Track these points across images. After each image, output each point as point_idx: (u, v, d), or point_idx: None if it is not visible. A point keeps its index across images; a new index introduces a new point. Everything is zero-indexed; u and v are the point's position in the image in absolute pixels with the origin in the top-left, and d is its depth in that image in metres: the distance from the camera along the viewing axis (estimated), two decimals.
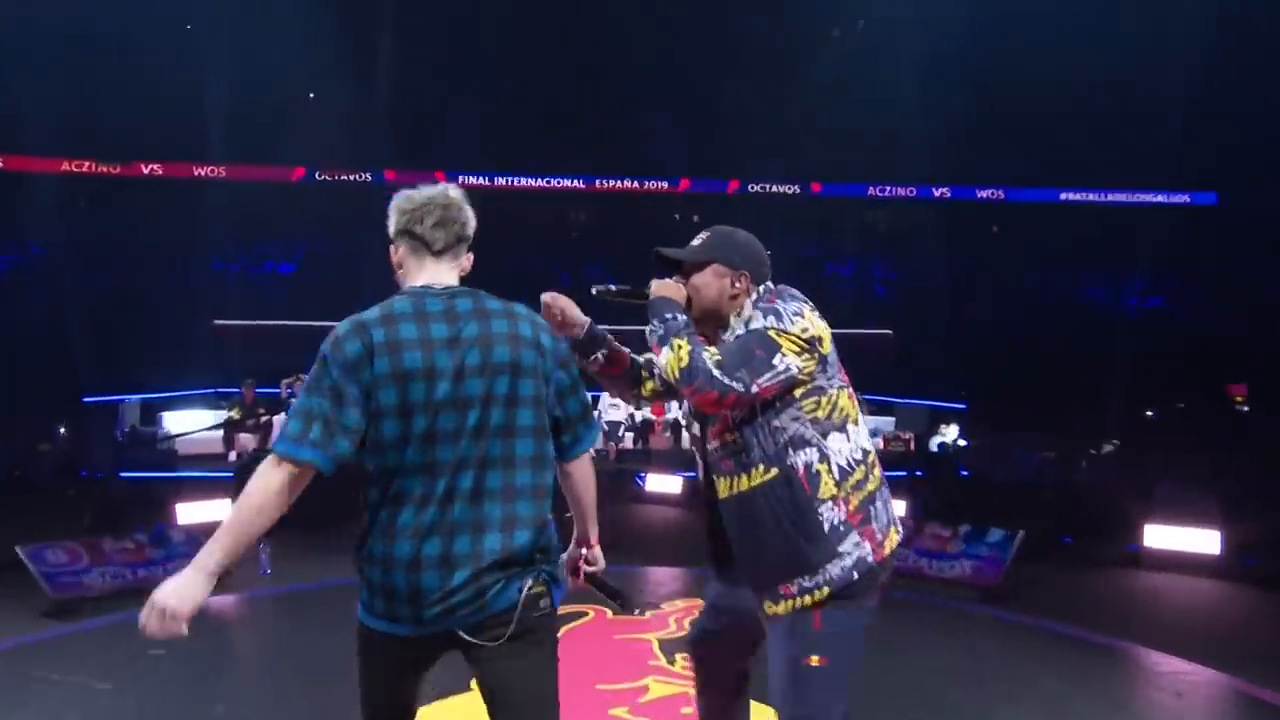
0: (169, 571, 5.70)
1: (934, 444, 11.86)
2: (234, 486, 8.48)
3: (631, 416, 13.02)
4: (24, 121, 16.91)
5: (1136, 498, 7.97)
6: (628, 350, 2.75)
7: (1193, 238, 18.23)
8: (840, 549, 2.40)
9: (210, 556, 2.04)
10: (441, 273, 2.29)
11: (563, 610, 5.04)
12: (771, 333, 2.37)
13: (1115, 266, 19.02)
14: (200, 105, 17.92)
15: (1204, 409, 13.23)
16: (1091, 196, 19.32)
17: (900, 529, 2.62)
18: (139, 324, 15.49)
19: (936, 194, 19.62)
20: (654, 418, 13.20)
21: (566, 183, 19.78)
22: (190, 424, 12.68)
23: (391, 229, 2.32)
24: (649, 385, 2.78)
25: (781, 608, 2.43)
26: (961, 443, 12.14)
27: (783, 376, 2.37)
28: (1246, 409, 13.24)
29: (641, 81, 19.14)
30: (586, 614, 5.50)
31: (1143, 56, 17.05)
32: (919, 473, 10.35)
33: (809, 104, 18.94)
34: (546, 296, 2.60)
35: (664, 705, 4.21)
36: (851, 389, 2.61)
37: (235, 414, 11.71)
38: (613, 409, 12.60)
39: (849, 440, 2.51)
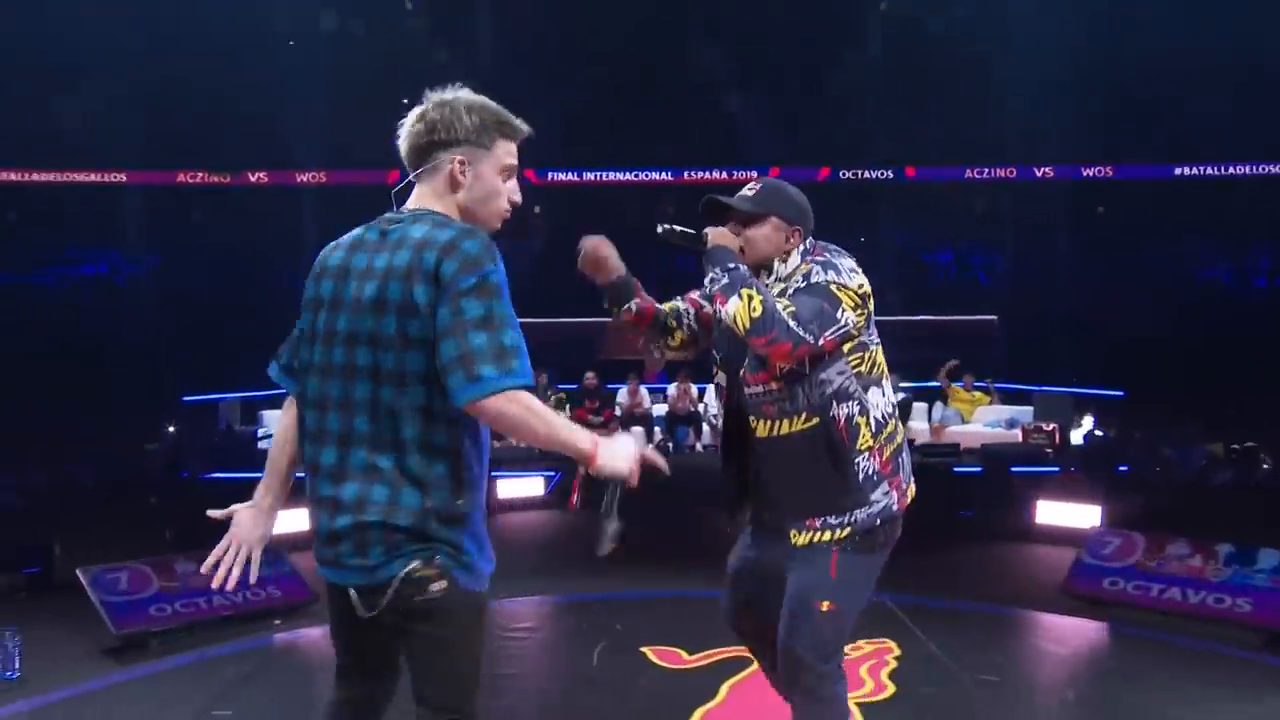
0: (257, 599, 4.57)
1: (1079, 436, 10.76)
2: None
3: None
4: (146, 137, 17.03)
5: None
6: (654, 301, 2.71)
7: None
8: (872, 497, 2.54)
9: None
10: (419, 195, 2.08)
11: (710, 655, 4.56)
12: (833, 287, 2.42)
13: (1240, 244, 17.78)
14: (302, 115, 17.79)
15: None
16: (1210, 170, 17.65)
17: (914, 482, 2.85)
18: (246, 328, 15.30)
19: (1041, 173, 18.20)
20: None
21: (655, 175, 18.96)
22: None
23: None
24: (678, 336, 2.76)
25: (803, 538, 2.54)
26: (1098, 433, 11.08)
27: (842, 330, 2.44)
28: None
29: (730, 68, 18.46)
30: (749, 661, 4.33)
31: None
32: (1073, 469, 9.16)
33: (900, 88, 18.18)
34: (588, 241, 2.55)
35: None
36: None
37: None
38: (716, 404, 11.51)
39: (884, 395, 2.67)
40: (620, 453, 1.95)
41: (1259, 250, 17.70)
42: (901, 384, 11.85)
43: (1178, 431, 10.19)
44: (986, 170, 18.29)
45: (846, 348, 2.49)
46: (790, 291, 2.46)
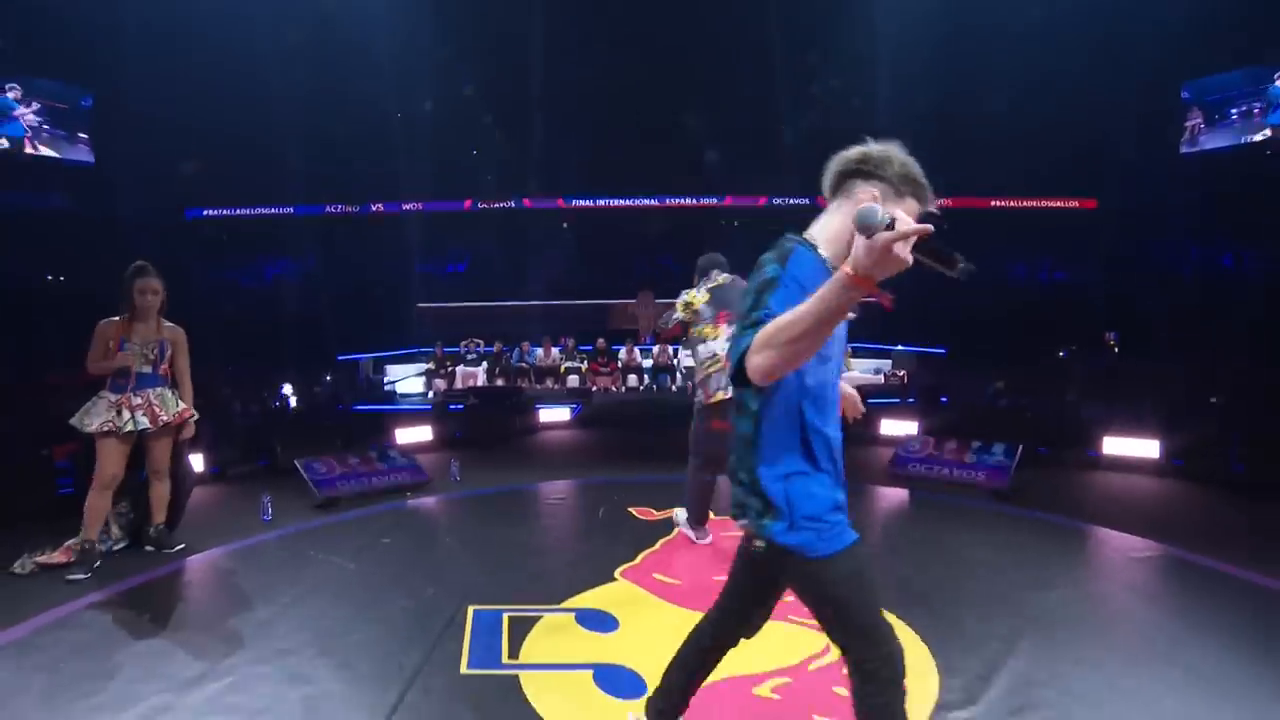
0: (394, 480, 5.14)
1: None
2: (431, 418, 8.05)
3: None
4: (313, 178, 17.01)
5: (1091, 417, 6.99)
6: None
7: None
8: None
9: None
10: (822, 217, 1.68)
11: (674, 512, 4.69)
12: None
13: (1031, 253, 17.67)
14: (404, 156, 17.81)
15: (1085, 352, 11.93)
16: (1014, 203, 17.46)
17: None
18: (374, 309, 15.65)
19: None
20: None
21: (646, 201, 19.01)
22: (403, 374, 12.50)
23: None
24: None
25: None
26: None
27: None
28: (1117, 350, 12.00)
29: (701, 120, 18.22)
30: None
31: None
32: (911, 400, 9.44)
33: (824, 137, 17.56)
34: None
35: None
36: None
37: (431, 365, 11.41)
38: (688, 357, 11.72)
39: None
40: (864, 254, 1.26)
41: (1044, 257, 17.69)
42: None
43: (979, 374, 10.18)
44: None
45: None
46: None
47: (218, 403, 7.34)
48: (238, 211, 17.48)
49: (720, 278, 3.95)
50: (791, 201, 18.30)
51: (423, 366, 11.88)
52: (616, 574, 3.75)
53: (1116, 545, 4.29)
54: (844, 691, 2.56)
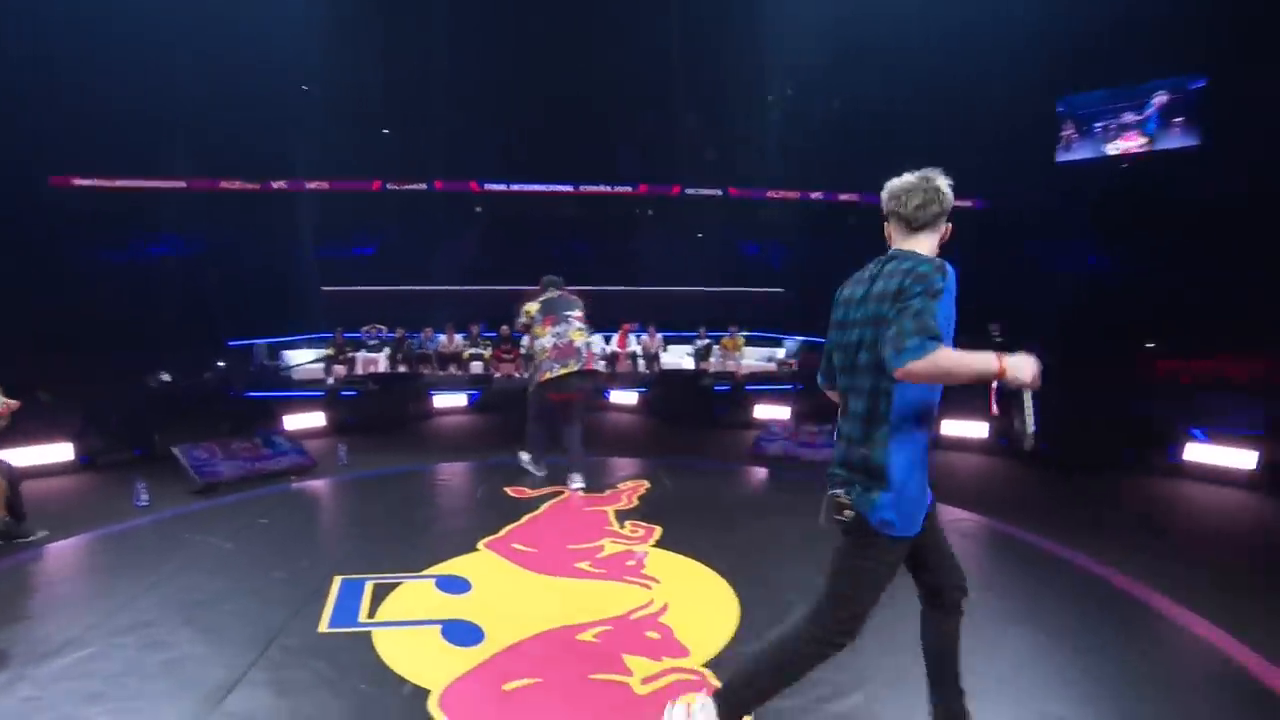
0: (279, 465, 5.37)
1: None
2: (326, 403, 8.16)
3: (604, 348, 12.63)
4: (202, 151, 16.32)
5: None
6: None
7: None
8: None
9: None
10: (913, 242, 2.04)
11: (543, 491, 4.98)
12: None
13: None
14: (304, 133, 17.23)
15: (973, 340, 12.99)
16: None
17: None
18: (274, 292, 15.07)
19: (813, 196, 18.74)
20: (619, 350, 12.77)
21: (560, 187, 18.98)
22: (301, 360, 12.35)
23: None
24: None
25: None
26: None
27: None
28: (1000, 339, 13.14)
29: (615, 112, 18.56)
30: (562, 492, 5.28)
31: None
32: (798, 386, 10.09)
33: (734, 128, 18.47)
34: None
35: (614, 559, 4.00)
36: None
37: (331, 351, 11.37)
38: (601, 343, 12.06)
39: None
40: (1024, 366, 1.78)
41: (940, 253, 18.84)
42: (709, 333, 12.91)
43: None
44: (781, 192, 18.75)
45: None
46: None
47: (88, 390, 7.16)
48: (118, 183, 16.29)
49: (553, 292, 5.42)
50: (704, 192, 18.85)
51: (323, 352, 11.80)
52: (479, 545, 4.15)
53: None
54: (656, 635, 3.08)
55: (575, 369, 5.06)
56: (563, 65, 17.47)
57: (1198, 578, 3.81)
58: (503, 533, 4.37)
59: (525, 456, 5.71)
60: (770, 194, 18.88)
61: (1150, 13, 13.35)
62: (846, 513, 1.94)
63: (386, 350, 11.86)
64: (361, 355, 11.56)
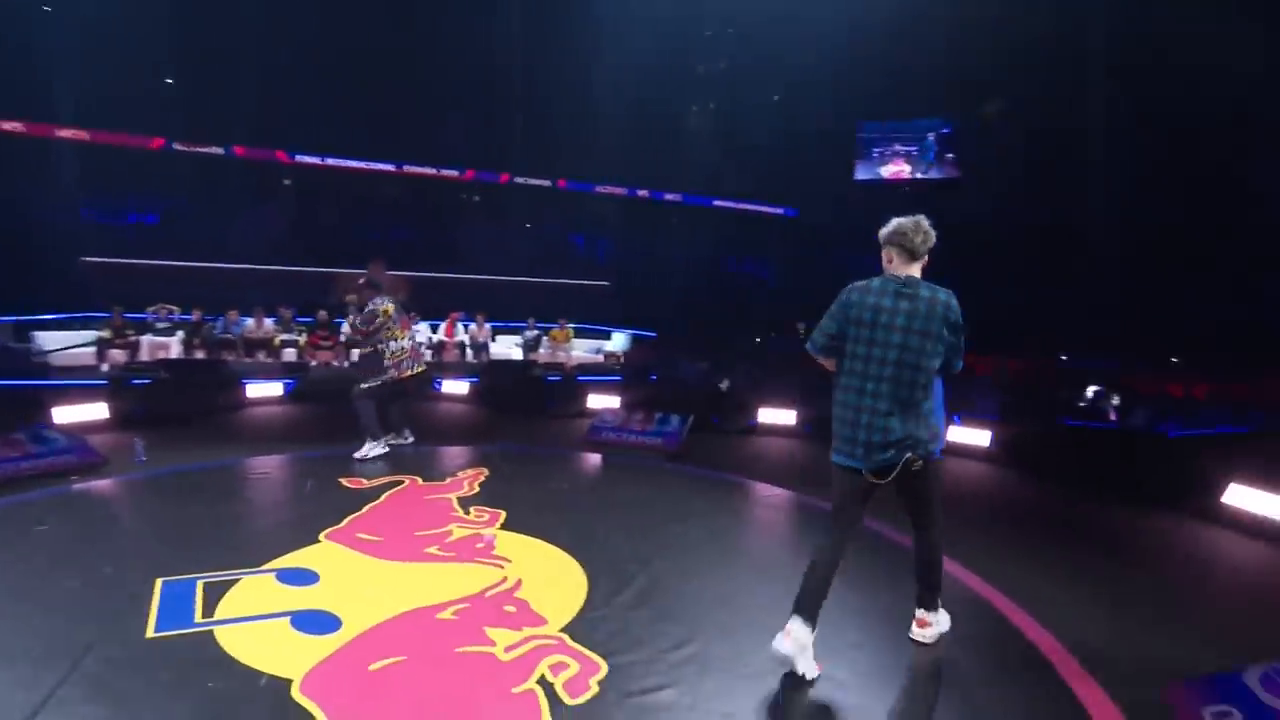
0: (54, 464, 4.86)
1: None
2: (108, 394, 7.29)
3: (429, 338, 12.36)
4: None
5: (757, 394, 8.65)
6: None
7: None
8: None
9: None
10: (915, 269, 2.75)
11: (383, 480, 4.97)
12: None
13: (743, 251, 20.38)
14: (65, 74, 14.59)
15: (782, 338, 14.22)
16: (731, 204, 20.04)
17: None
18: (18, 259, 12.63)
19: (639, 193, 19.61)
20: (446, 339, 12.59)
21: (381, 165, 17.93)
22: (62, 342, 10.65)
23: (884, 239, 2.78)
24: None
25: None
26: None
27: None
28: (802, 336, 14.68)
29: (444, 89, 17.84)
30: (402, 481, 5.29)
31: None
32: (620, 378, 10.63)
33: (564, 124, 18.38)
34: None
35: (463, 542, 4.14)
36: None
37: (107, 334, 10.00)
38: (419, 333, 11.77)
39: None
40: None
41: (757, 255, 20.44)
42: (538, 324, 13.06)
43: (683, 355, 11.49)
44: (609, 188, 19.22)
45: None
46: None
47: None
48: None
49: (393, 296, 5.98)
50: (533, 182, 18.86)
51: (92, 335, 10.31)
52: (321, 536, 4.09)
53: (752, 492, 5.60)
54: (513, 609, 3.30)
55: (424, 367, 6.06)
56: (391, 33, 16.65)
57: (955, 531, 4.73)
58: (344, 523, 4.32)
59: (371, 446, 5.97)
60: (600, 189, 19.31)
61: (926, 60, 15.69)
62: (917, 463, 2.66)
63: (180, 334, 10.67)
64: (148, 339, 10.32)
